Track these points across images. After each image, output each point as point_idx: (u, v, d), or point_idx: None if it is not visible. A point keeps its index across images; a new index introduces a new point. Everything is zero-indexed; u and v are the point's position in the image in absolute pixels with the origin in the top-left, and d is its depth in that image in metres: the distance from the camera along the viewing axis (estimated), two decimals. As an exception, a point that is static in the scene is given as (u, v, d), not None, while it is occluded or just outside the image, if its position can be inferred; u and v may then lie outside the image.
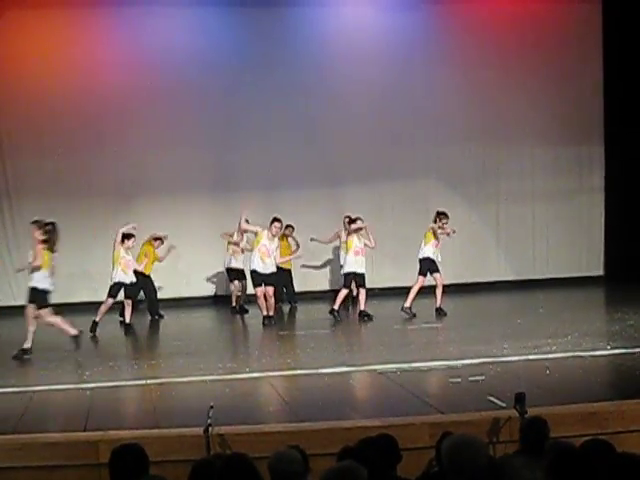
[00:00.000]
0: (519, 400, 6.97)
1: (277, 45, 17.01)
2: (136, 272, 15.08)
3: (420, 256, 14.50)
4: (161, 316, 15.49)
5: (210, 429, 6.88)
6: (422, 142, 17.61)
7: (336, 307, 14.33)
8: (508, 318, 13.66)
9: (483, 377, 9.36)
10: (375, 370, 10.08)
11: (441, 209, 14.62)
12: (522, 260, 18.22)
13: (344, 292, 14.47)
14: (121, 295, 14.50)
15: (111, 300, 14.20)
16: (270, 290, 14.38)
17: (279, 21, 17.11)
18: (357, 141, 17.39)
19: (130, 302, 14.53)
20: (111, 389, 9.76)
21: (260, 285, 14.32)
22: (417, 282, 14.44)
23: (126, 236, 14.34)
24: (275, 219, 14.42)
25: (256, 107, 17.02)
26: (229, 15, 17.08)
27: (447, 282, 15.34)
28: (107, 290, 14.19)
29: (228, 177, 17.11)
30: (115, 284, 14.21)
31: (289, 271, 16.56)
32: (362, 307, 14.35)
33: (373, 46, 17.35)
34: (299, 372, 10.30)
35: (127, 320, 14.42)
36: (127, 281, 14.34)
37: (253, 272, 14.39)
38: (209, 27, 17.05)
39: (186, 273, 17.05)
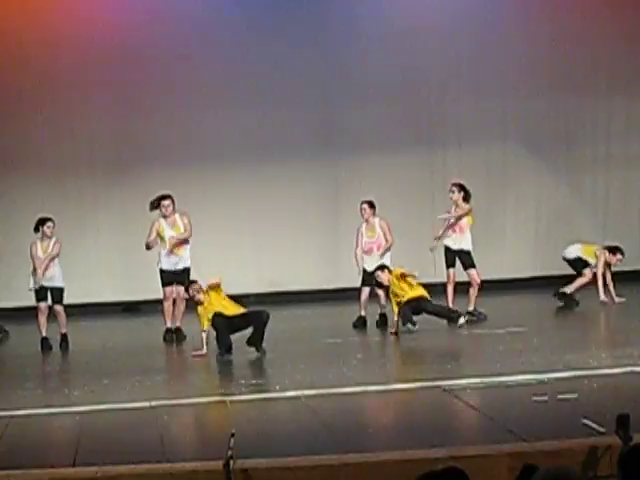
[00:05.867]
0: (622, 424, 6.96)
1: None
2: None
3: (466, 247, 14.64)
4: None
5: (231, 463, 6.95)
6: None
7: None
8: (611, 320, 13.60)
9: (576, 395, 9.35)
10: (439, 387, 10.08)
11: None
12: (631, 245, 17.99)
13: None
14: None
15: (44, 304, 13.96)
16: (181, 291, 13.82)
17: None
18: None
19: (61, 309, 14.06)
20: (106, 413, 9.86)
21: (170, 284, 13.97)
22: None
23: (40, 223, 14.00)
24: (162, 197, 13.99)
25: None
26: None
27: (530, 274, 15.28)
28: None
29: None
30: (42, 288, 13.93)
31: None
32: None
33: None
34: (343, 390, 10.29)
35: (63, 330, 14.01)
36: (58, 284, 14.04)
37: (161, 271, 14.05)
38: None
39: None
